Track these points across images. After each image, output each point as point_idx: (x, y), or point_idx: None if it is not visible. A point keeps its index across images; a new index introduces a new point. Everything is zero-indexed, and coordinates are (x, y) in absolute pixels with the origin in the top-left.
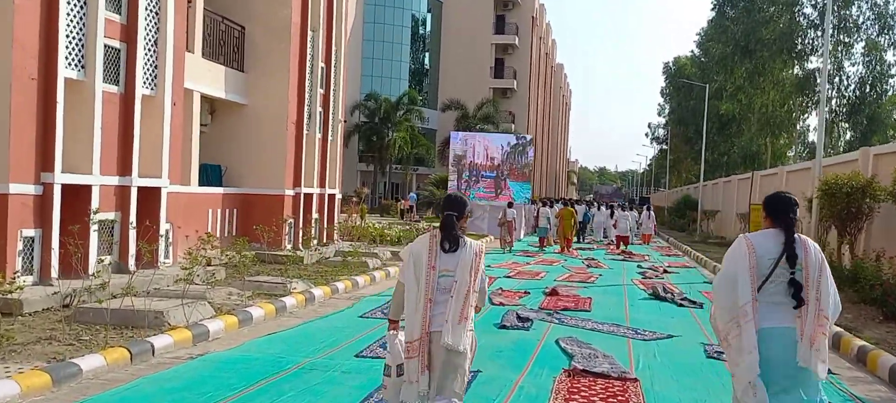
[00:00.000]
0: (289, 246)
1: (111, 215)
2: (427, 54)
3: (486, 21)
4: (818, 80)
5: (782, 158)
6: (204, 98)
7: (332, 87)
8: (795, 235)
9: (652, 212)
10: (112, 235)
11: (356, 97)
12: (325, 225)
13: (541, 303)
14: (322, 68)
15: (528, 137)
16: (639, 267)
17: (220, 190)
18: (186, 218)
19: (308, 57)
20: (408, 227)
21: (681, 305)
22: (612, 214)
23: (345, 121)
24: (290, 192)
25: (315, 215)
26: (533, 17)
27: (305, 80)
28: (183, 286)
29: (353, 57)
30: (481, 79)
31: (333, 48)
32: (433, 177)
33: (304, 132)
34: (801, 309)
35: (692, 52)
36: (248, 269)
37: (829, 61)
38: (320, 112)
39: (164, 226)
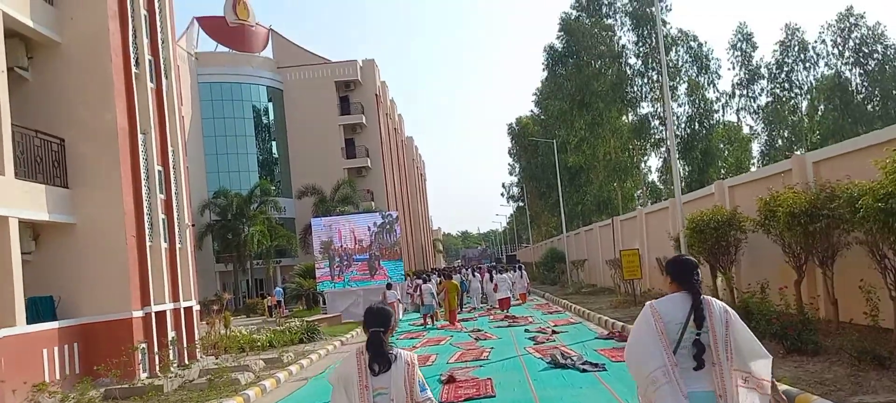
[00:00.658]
0: (144, 376)
1: None
2: (274, 143)
3: (330, 103)
4: (652, 123)
5: (631, 201)
6: (23, 223)
7: (173, 191)
8: (702, 297)
9: (524, 270)
10: None
11: (204, 196)
12: (185, 344)
13: (441, 395)
14: (159, 171)
15: (394, 214)
16: (526, 331)
17: (54, 324)
18: (15, 366)
19: (141, 162)
20: (278, 326)
21: (584, 371)
22: (491, 278)
23: (193, 225)
24: (138, 314)
25: (171, 333)
26: (376, 95)
27: (141, 188)
28: None
29: (196, 155)
30: (334, 161)
31: (170, 148)
32: (299, 266)
33: (148, 244)
34: (715, 369)
35: (531, 111)
36: None
37: (658, 104)
38: (163, 219)
39: None
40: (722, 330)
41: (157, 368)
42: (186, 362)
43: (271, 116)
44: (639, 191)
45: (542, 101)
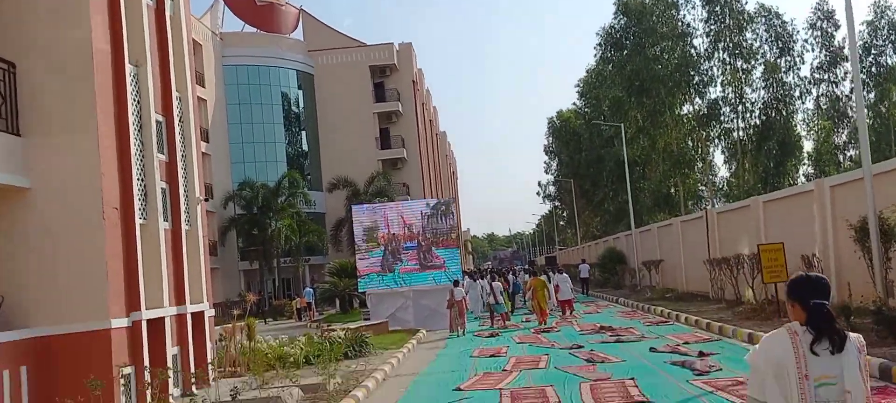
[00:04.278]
0: None
1: None
2: (304, 132)
3: (365, 89)
4: (722, 110)
5: (693, 197)
6: None
7: (179, 151)
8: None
9: (566, 274)
10: None
11: (228, 187)
12: (193, 365)
13: None
14: (159, 123)
15: (451, 198)
16: (651, 349)
17: None
18: None
19: (131, 105)
20: (314, 334)
21: None
22: (549, 279)
23: (206, 199)
24: (120, 323)
25: (172, 351)
26: (413, 81)
27: (129, 142)
28: None
29: (220, 143)
30: (368, 153)
31: (175, 92)
32: (332, 263)
33: (137, 222)
34: None
35: (574, 103)
36: None
37: (729, 88)
38: (163, 189)
39: None
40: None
41: (149, 402)
42: (194, 390)
43: (301, 103)
44: (705, 187)
45: (589, 92)
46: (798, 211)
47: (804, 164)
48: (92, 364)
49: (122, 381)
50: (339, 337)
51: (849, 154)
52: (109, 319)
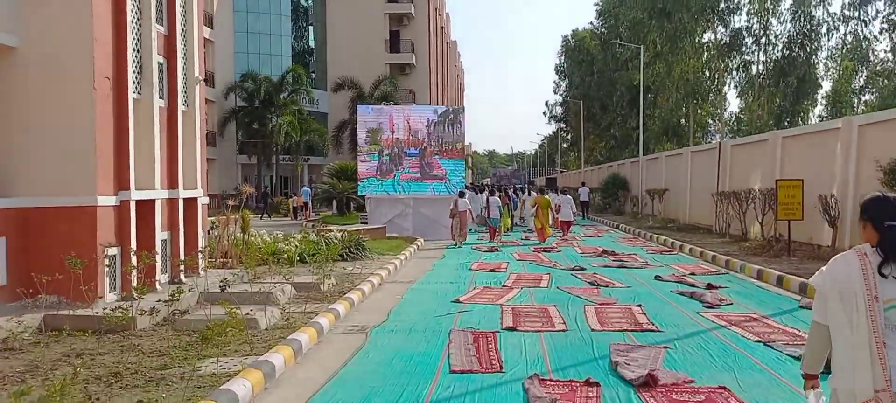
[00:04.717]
0: (112, 297)
1: None
2: (311, 28)
3: None
4: (745, 40)
5: (702, 129)
6: None
7: (179, 25)
8: None
9: (569, 196)
10: None
11: (230, 78)
12: (183, 250)
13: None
14: None
15: (460, 107)
16: (657, 278)
17: None
18: None
19: None
20: (310, 233)
21: None
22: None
23: (205, 80)
24: (107, 201)
25: (161, 235)
26: None
27: (126, 7)
28: None
29: (224, 30)
30: (376, 55)
31: None
32: (332, 165)
33: (131, 97)
34: None
35: (591, 22)
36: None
37: (755, 19)
38: (161, 63)
39: None
40: None
41: (133, 286)
42: (182, 278)
43: None
44: (714, 120)
45: (608, 10)
46: (819, 150)
47: (819, 105)
48: (75, 241)
49: (105, 262)
50: (336, 238)
51: (864, 98)
52: (96, 196)
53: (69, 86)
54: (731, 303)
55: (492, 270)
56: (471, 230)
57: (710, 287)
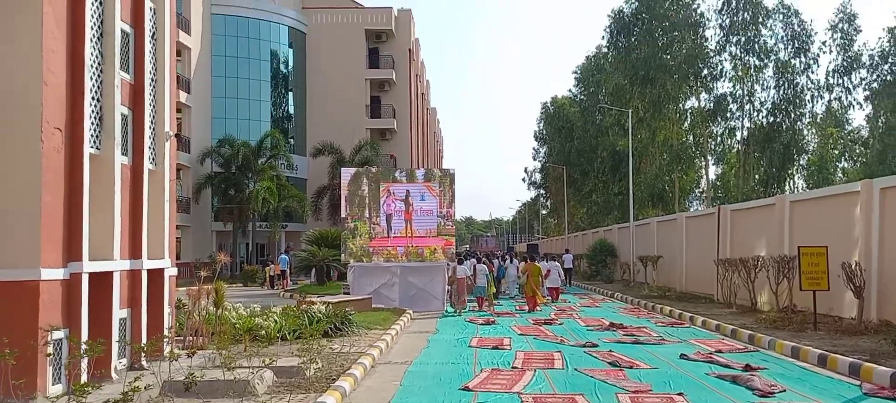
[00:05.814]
0: (58, 388)
1: None
2: (291, 93)
3: (359, 54)
4: (729, 106)
5: (687, 194)
6: None
7: (148, 74)
8: None
9: (556, 262)
10: None
11: (207, 143)
12: (146, 330)
13: None
14: (126, 33)
15: (451, 170)
16: (682, 356)
17: None
18: None
19: (90, 4)
20: (288, 303)
21: None
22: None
23: (176, 135)
24: (53, 274)
25: (121, 313)
26: (409, 50)
27: (84, 50)
28: None
29: (202, 95)
30: (357, 120)
31: (149, 2)
32: (312, 231)
33: (87, 150)
34: None
35: (570, 90)
36: None
37: (739, 85)
38: (125, 115)
39: None
40: None
41: (78, 381)
42: (143, 363)
43: (291, 62)
44: (699, 187)
45: (587, 78)
46: (834, 215)
47: (804, 170)
48: (12, 323)
49: (48, 349)
50: (321, 312)
51: (841, 165)
52: (39, 268)
53: (11, 136)
54: (785, 390)
55: (494, 347)
56: None
57: (748, 368)
